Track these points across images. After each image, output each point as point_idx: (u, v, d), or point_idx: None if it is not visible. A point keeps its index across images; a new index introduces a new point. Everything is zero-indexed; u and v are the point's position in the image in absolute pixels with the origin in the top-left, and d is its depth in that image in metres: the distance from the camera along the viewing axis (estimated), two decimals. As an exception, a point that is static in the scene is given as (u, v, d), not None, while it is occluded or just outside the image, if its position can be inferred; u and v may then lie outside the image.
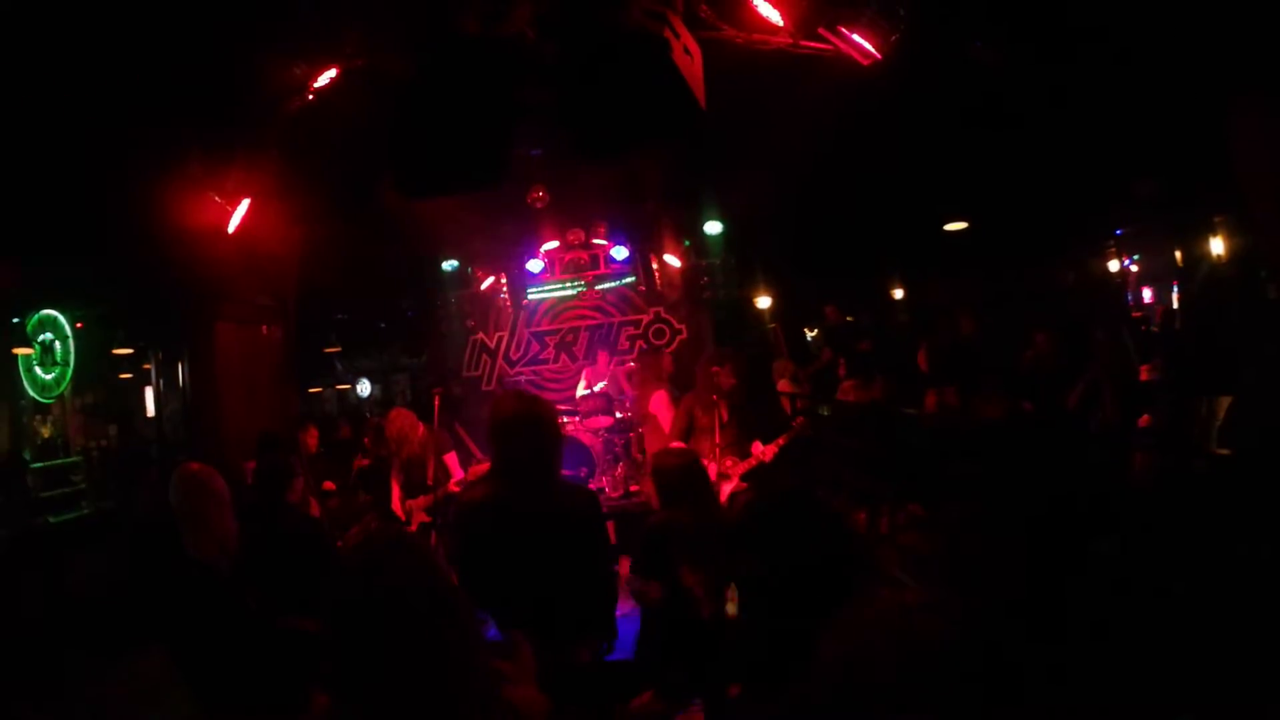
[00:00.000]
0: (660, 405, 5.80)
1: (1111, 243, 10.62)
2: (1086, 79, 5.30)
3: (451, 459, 5.97)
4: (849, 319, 9.51)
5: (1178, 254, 9.73)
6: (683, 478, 3.43)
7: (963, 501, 5.03)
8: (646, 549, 3.34)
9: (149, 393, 7.76)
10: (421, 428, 5.81)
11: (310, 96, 4.71)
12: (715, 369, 5.28)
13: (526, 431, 2.58)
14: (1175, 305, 9.72)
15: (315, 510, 5.49)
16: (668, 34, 3.07)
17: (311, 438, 6.76)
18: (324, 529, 4.03)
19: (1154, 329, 9.44)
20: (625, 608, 3.31)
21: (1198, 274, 8.88)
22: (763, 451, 5.29)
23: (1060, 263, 10.74)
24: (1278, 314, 6.39)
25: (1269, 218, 4.25)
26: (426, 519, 5.62)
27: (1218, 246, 8.83)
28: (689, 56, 3.20)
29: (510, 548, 2.54)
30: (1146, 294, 11.06)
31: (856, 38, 4.00)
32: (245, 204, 5.37)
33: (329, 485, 6.47)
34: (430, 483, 5.62)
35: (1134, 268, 11.21)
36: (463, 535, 2.70)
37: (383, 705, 1.32)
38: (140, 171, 5.41)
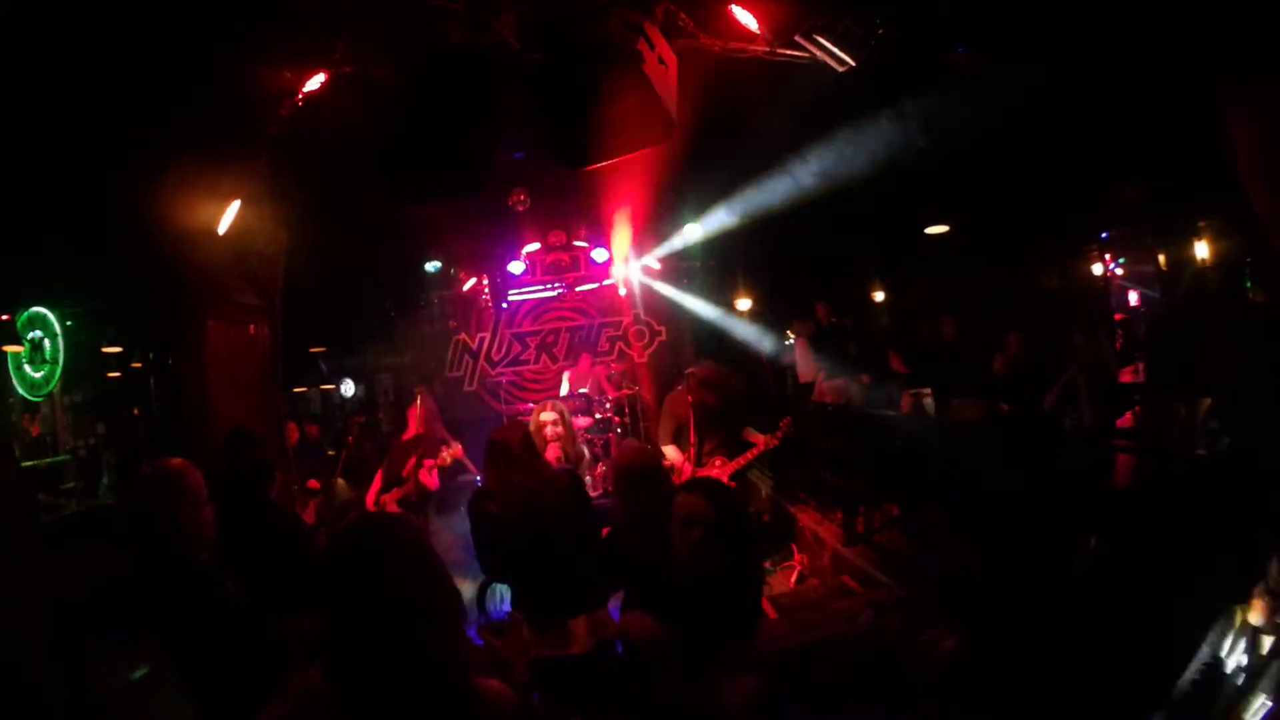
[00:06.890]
0: None
1: (1095, 246, 10.67)
2: (1070, 81, 5.36)
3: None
4: (834, 321, 9.60)
5: (1161, 258, 9.80)
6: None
7: (939, 502, 5.12)
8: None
9: (139, 391, 7.80)
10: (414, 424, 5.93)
11: (300, 101, 4.79)
12: (692, 370, 5.37)
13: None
14: (1159, 308, 9.80)
15: (298, 508, 5.56)
16: (641, 45, 3.15)
17: (291, 435, 6.84)
18: (305, 525, 4.08)
19: (1137, 332, 9.51)
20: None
21: (1181, 277, 8.95)
22: (765, 441, 5.38)
23: (1043, 266, 10.80)
24: (1260, 317, 6.47)
25: (1270, 215, 4.24)
26: (397, 510, 5.72)
27: (1202, 250, 8.90)
28: (664, 67, 3.28)
29: (521, 521, 3.12)
30: (1132, 297, 11.13)
31: (832, 46, 4.08)
32: (236, 205, 5.44)
33: (313, 484, 6.53)
34: (404, 474, 5.74)
35: (1119, 271, 11.28)
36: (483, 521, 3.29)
37: (374, 678, 1.39)
38: (133, 171, 5.46)
